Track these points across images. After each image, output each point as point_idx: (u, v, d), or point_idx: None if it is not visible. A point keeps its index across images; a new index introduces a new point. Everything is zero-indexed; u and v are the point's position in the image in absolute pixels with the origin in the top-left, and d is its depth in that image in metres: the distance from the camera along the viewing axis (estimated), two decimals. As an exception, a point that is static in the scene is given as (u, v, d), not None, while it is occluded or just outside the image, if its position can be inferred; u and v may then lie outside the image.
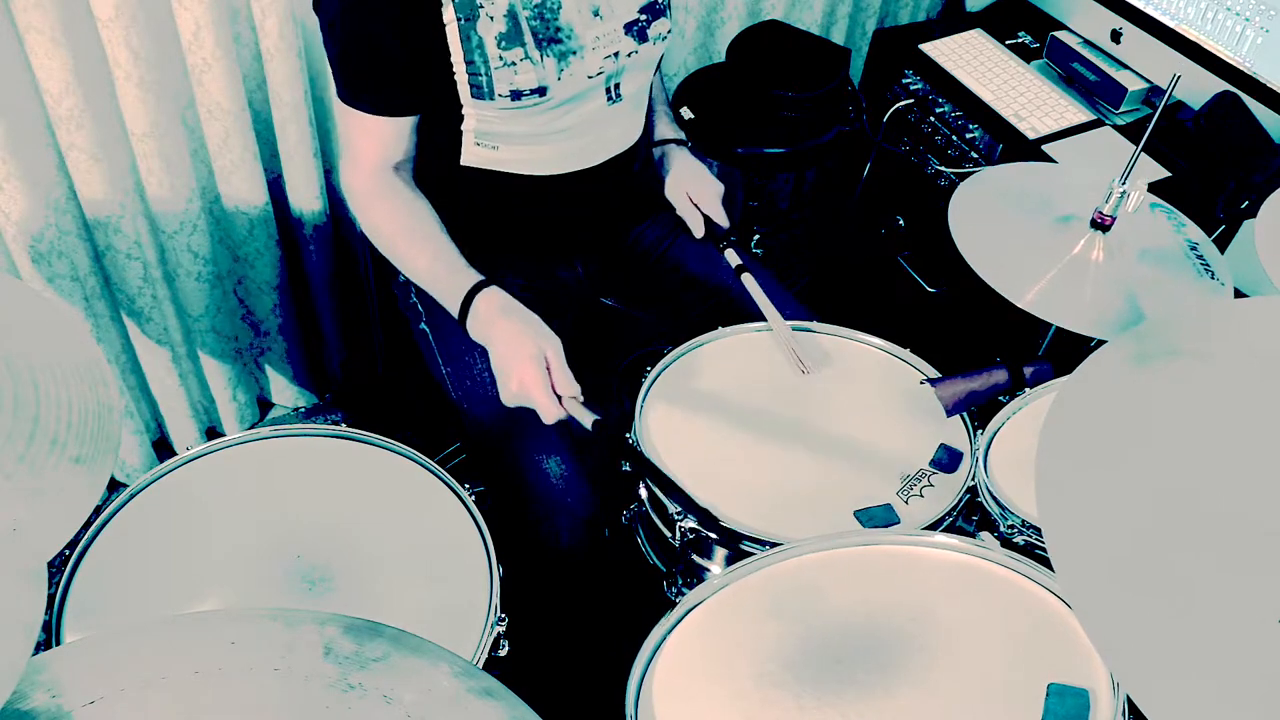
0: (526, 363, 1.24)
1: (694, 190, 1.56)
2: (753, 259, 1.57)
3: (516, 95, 1.30)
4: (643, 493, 1.35)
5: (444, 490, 1.24)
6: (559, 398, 1.24)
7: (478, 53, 1.26)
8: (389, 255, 1.37)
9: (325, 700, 0.74)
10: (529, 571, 1.30)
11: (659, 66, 1.53)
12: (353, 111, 1.31)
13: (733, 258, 1.54)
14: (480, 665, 1.08)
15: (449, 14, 1.24)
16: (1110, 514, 0.84)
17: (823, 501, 1.24)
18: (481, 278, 1.32)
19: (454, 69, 1.28)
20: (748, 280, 1.50)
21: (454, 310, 1.31)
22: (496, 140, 1.37)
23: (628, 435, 1.31)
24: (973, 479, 1.28)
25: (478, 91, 1.29)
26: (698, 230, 1.56)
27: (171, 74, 1.62)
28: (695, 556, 1.30)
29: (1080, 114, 2.00)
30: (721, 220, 1.56)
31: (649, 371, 1.40)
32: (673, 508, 1.23)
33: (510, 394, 1.26)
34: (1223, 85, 1.86)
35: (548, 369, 1.25)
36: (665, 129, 1.62)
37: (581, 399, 1.25)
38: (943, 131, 2.10)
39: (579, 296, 1.60)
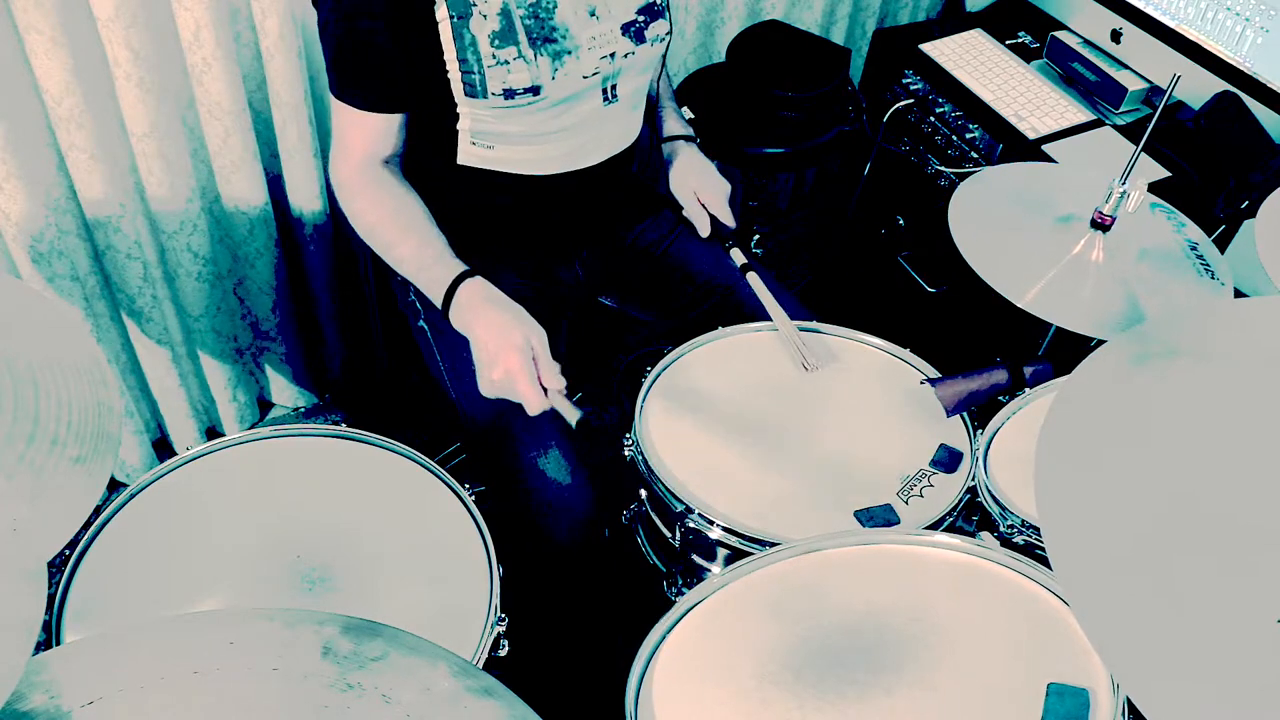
0: (511, 352, 1.21)
1: (701, 189, 1.55)
2: (753, 259, 1.57)
3: (510, 94, 1.30)
4: (642, 492, 1.35)
5: (444, 490, 1.24)
6: (545, 390, 1.22)
7: (470, 51, 1.26)
8: (372, 244, 1.36)
9: (324, 700, 0.74)
10: (529, 571, 1.30)
11: (664, 63, 1.53)
12: (343, 105, 1.31)
13: (738, 257, 1.53)
14: (480, 665, 1.08)
15: (442, 11, 1.24)
16: (1109, 514, 0.84)
17: (823, 501, 1.24)
18: (466, 267, 1.30)
19: (447, 67, 1.28)
20: (753, 279, 1.49)
21: (437, 300, 1.30)
22: (492, 139, 1.37)
23: (625, 436, 1.30)
24: (973, 479, 1.28)
25: (471, 90, 1.29)
26: (704, 230, 1.56)
27: (171, 74, 1.62)
28: (695, 556, 1.30)
29: (1080, 114, 2.00)
30: (728, 220, 1.55)
31: (649, 371, 1.40)
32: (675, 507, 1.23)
33: (491, 383, 1.23)
34: (1223, 85, 1.86)
35: (534, 360, 1.23)
36: (674, 125, 1.62)
37: (565, 392, 1.22)
38: (943, 131, 2.10)
39: (578, 296, 1.60)
